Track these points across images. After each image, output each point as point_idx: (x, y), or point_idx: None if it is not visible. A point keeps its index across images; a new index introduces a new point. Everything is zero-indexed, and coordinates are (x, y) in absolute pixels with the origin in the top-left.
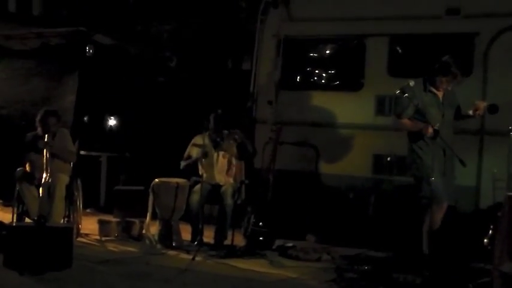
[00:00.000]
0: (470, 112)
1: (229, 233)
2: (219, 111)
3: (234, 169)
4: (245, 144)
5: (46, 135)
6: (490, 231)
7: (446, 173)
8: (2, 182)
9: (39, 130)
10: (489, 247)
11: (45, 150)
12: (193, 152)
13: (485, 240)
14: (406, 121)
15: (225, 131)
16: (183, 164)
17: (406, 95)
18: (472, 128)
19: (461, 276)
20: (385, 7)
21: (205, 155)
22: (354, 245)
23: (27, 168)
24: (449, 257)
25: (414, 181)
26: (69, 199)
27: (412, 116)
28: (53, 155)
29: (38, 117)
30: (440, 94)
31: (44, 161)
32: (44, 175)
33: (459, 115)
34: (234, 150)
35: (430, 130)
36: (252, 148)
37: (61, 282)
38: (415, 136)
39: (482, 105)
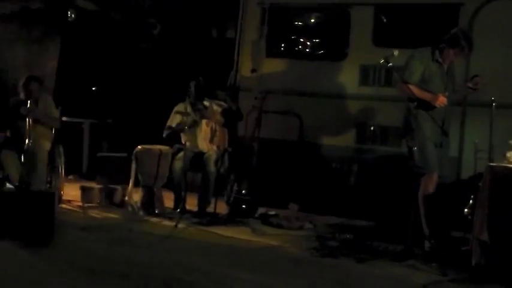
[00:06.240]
0: (470, 84)
1: (212, 201)
2: (200, 78)
3: (217, 137)
4: (231, 107)
5: (29, 102)
6: (471, 201)
7: (443, 144)
8: None
9: (22, 96)
10: (469, 217)
11: (27, 117)
12: (176, 120)
13: (465, 209)
14: (414, 87)
15: (207, 103)
16: (166, 132)
17: (391, 64)
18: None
19: (441, 245)
20: None
21: (194, 123)
22: (336, 214)
23: (8, 134)
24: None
25: (407, 148)
26: (51, 165)
27: (418, 83)
28: (36, 121)
29: (21, 83)
30: (445, 65)
31: (27, 127)
32: (27, 141)
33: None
34: (219, 117)
35: (442, 99)
36: (238, 110)
37: (42, 248)
38: (417, 103)
39: (484, 81)
